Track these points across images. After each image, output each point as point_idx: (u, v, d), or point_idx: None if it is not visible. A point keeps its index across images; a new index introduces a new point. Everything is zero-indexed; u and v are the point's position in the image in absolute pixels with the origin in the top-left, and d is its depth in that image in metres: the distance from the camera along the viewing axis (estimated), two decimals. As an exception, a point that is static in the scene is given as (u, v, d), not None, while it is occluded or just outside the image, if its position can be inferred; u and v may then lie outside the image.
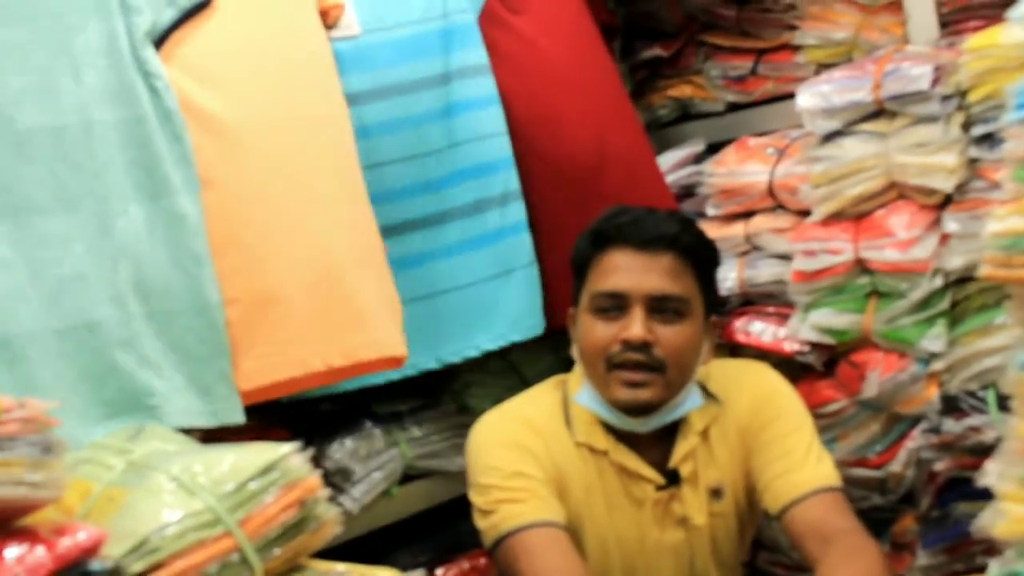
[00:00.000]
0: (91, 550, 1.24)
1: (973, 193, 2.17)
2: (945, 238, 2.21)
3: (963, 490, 2.22)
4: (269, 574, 1.41)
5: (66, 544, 1.22)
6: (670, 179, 2.69)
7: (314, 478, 1.47)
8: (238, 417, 1.85)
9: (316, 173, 1.98)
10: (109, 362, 1.75)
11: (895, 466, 2.32)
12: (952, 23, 2.41)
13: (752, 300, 2.55)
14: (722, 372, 2.12)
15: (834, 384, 2.39)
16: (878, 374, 2.27)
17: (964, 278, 2.22)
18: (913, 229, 2.21)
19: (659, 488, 2.03)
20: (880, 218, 2.26)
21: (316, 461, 1.71)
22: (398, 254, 2.17)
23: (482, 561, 2.37)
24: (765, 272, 2.51)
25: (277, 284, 1.90)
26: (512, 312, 2.32)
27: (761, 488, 2.01)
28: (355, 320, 1.97)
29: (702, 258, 2.04)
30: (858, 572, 1.76)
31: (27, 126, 1.75)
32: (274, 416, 2.17)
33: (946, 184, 2.17)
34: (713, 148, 2.78)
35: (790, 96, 2.60)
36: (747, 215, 2.57)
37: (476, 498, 2.01)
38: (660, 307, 1.97)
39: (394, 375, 2.17)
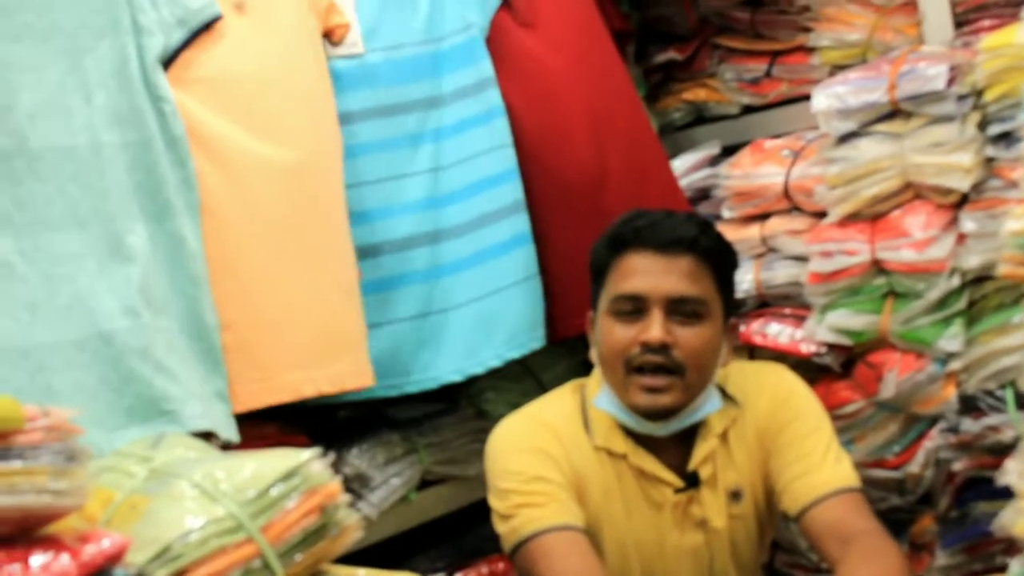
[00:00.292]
0: (115, 557, 1.24)
1: (990, 192, 2.18)
2: (962, 237, 2.21)
3: (982, 490, 2.22)
4: (291, 580, 1.42)
5: (91, 551, 1.21)
6: (685, 182, 2.69)
7: (335, 484, 1.46)
8: (233, 437, 1.88)
9: (310, 203, 2.03)
10: (126, 371, 1.77)
11: (913, 466, 2.32)
12: (966, 23, 2.41)
13: (768, 302, 2.56)
14: (740, 374, 2.12)
15: (851, 385, 2.39)
16: (895, 374, 2.27)
17: (981, 277, 2.22)
18: (930, 229, 2.21)
19: (678, 491, 2.02)
20: (896, 218, 2.26)
21: (335, 467, 1.71)
22: (400, 271, 2.20)
23: (500, 566, 2.37)
24: (781, 274, 2.51)
25: (270, 311, 1.96)
26: (515, 325, 2.32)
27: (780, 490, 2.01)
28: (342, 348, 2.04)
29: (720, 260, 2.05)
30: (879, 573, 1.75)
31: (40, 145, 1.77)
32: (293, 422, 2.18)
33: (962, 183, 2.17)
34: (728, 151, 2.78)
35: (805, 98, 2.61)
36: (763, 217, 2.58)
37: (496, 503, 2.01)
38: (679, 309, 1.97)
39: (393, 393, 2.23)
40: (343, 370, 2.04)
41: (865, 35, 2.56)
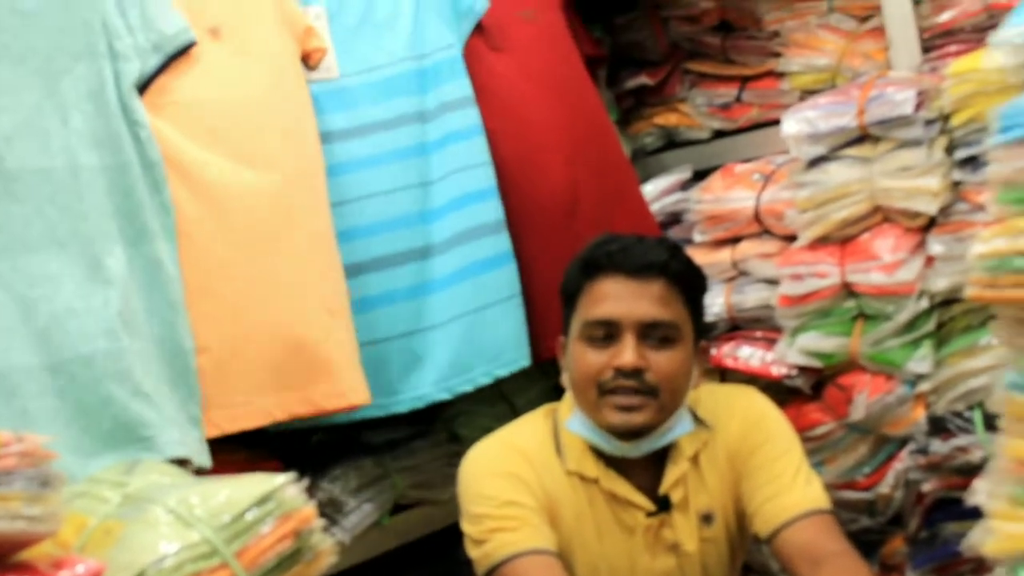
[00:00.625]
0: (89, 583, 1.24)
1: (957, 215, 2.20)
2: (930, 260, 2.23)
3: (951, 510, 2.24)
4: (266, 604, 1.42)
5: (66, 576, 1.22)
6: (656, 206, 2.71)
7: (309, 508, 1.47)
8: (206, 463, 1.87)
9: (290, 225, 2.03)
10: (103, 395, 1.76)
11: (883, 488, 2.33)
12: (933, 48, 2.44)
13: (740, 325, 2.57)
14: (711, 397, 2.13)
15: (822, 407, 2.41)
16: (865, 396, 2.29)
17: (949, 300, 2.24)
18: (898, 252, 2.23)
19: (650, 515, 2.03)
20: (865, 242, 2.28)
21: (308, 492, 1.71)
22: (385, 289, 2.20)
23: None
24: (752, 297, 2.52)
25: (246, 335, 1.96)
26: (502, 343, 2.32)
27: (751, 512, 2.02)
28: (321, 371, 2.02)
29: (691, 284, 2.06)
30: (851, 593, 1.76)
31: (16, 166, 1.77)
32: (266, 448, 2.17)
33: (930, 207, 2.19)
34: (699, 175, 2.79)
35: (775, 123, 2.63)
36: (734, 241, 2.59)
37: (469, 528, 2.01)
38: (651, 334, 1.98)
39: (380, 413, 2.21)
40: (322, 393, 2.02)
41: (834, 60, 2.58)
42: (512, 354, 2.34)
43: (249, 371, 1.95)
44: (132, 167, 1.86)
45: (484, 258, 2.31)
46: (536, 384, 2.52)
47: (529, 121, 2.39)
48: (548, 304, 2.25)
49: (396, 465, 2.33)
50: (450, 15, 2.36)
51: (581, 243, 2.11)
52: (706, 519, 2.06)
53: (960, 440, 2.17)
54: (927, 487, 2.23)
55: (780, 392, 2.38)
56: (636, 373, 1.94)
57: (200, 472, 1.77)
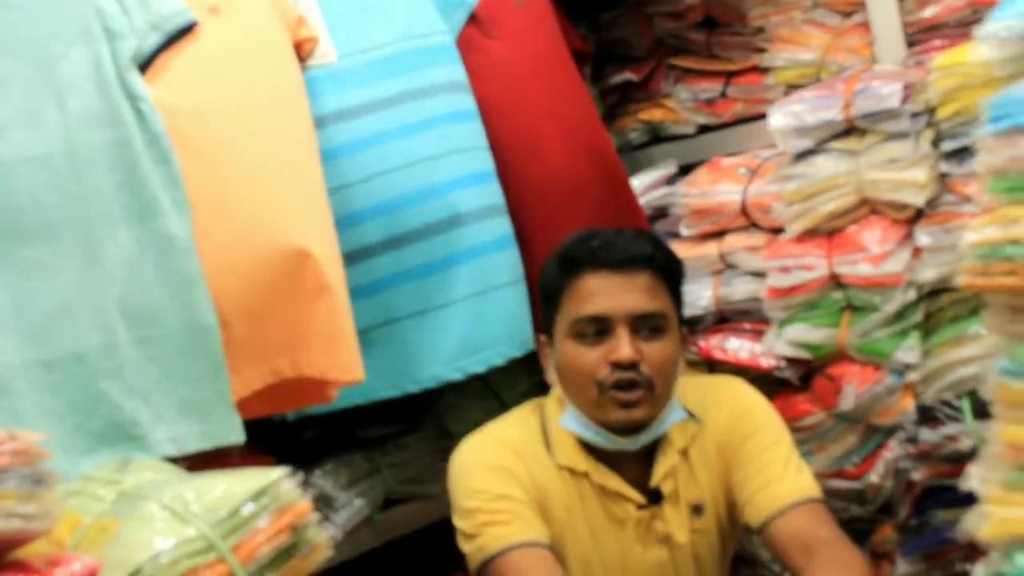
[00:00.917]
0: (87, 580, 1.24)
1: (944, 207, 2.21)
2: (917, 251, 2.24)
3: (941, 498, 2.25)
4: (262, 599, 1.42)
5: (62, 574, 1.21)
6: (643, 200, 2.71)
7: (305, 503, 1.47)
8: (238, 437, 1.84)
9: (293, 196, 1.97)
10: (96, 393, 1.74)
11: (873, 477, 2.35)
12: (918, 42, 2.45)
13: (728, 317, 2.58)
14: (698, 389, 2.14)
15: (811, 398, 2.42)
16: (854, 387, 2.30)
17: (936, 290, 2.25)
18: (886, 244, 2.24)
19: (640, 507, 2.03)
20: (853, 234, 2.29)
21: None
22: (395, 269, 2.18)
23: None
24: (740, 290, 2.53)
25: (263, 299, 1.90)
26: (512, 323, 2.28)
27: (742, 503, 2.03)
28: (337, 337, 1.97)
29: (674, 273, 2.07)
30: (845, 581, 1.77)
31: (11, 155, 1.74)
32: (257, 444, 2.16)
33: (917, 199, 2.20)
34: (684, 170, 2.80)
35: (759, 117, 2.64)
36: (720, 234, 2.60)
37: (460, 522, 2.01)
38: (642, 325, 1.99)
39: (395, 393, 2.18)
40: (333, 360, 1.97)
41: (818, 55, 2.59)
42: (522, 336, 2.30)
43: (262, 334, 1.91)
44: (135, 141, 1.82)
45: (492, 239, 2.28)
46: (524, 379, 2.52)
47: (526, 106, 2.38)
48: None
49: (386, 460, 2.33)
50: (442, 4, 2.36)
51: (581, 228, 2.11)
52: (696, 510, 2.07)
53: (949, 429, 2.18)
54: (916, 476, 2.25)
55: (769, 383, 2.40)
56: (632, 366, 1.95)
57: (194, 468, 1.76)
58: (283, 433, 2.21)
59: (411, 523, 2.38)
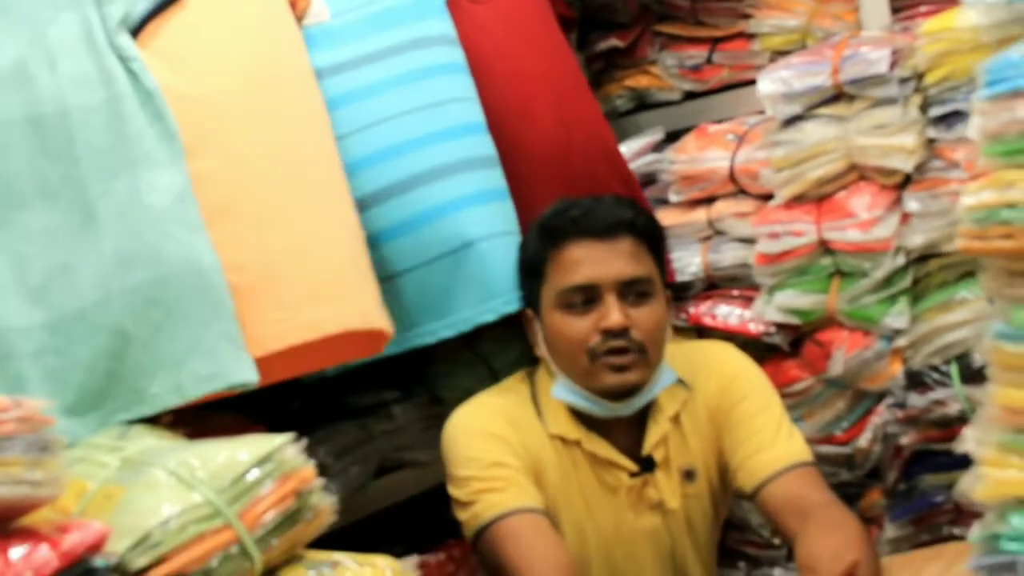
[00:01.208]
0: (95, 546, 1.24)
1: (932, 173, 2.23)
2: (906, 217, 2.26)
3: (929, 463, 2.28)
4: (267, 565, 1.42)
5: (72, 540, 1.21)
6: (631, 167, 2.71)
7: (309, 468, 1.48)
8: (251, 376, 1.79)
9: (299, 148, 1.96)
10: (97, 349, 1.72)
11: (862, 441, 2.37)
12: (903, 8, 2.47)
13: (716, 284, 2.59)
14: (687, 355, 2.14)
15: (800, 363, 2.44)
16: (843, 352, 2.32)
17: (925, 256, 2.27)
18: (874, 209, 2.26)
19: (632, 475, 2.05)
20: (842, 200, 2.30)
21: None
22: (413, 211, 2.13)
23: (456, 552, 2.38)
24: (729, 256, 2.54)
25: (285, 248, 1.87)
26: (491, 283, 2.17)
27: (734, 468, 2.04)
28: (362, 287, 1.94)
29: (656, 236, 2.08)
30: (839, 543, 1.77)
31: (3, 118, 1.73)
32: (250, 414, 2.16)
33: (906, 164, 2.22)
34: (671, 136, 2.81)
35: (745, 84, 2.66)
36: (709, 200, 2.61)
37: (455, 491, 2.01)
38: (629, 291, 2.00)
39: (430, 340, 2.14)
40: (369, 307, 1.93)
41: (804, 21, 2.59)
42: (504, 296, 2.19)
43: (290, 285, 1.86)
44: (127, 99, 1.80)
45: (495, 187, 2.22)
46: (514, 346, 2.52)
47: (515, 72, 2.36)
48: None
49: (379, 428, 2.33)
50: None
51: (575, 194, 2.11)
52: (688, 476, 2.08)
53: (937, 394, 2.20)
54: (905, 440, 2.27)
55: (758, 349, 2.41)
56: (623, 332, 1.96)
57: (192, 436, 1.75)
58: (273, 403, 2.20)
59: (405, 490, 2.38)
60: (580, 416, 2.04)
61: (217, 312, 1.78)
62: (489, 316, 2.15)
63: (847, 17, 2.54)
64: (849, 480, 2.40)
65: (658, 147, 2.79)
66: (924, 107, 2.23)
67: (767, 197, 2.45)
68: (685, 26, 2.86)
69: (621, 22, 2.97)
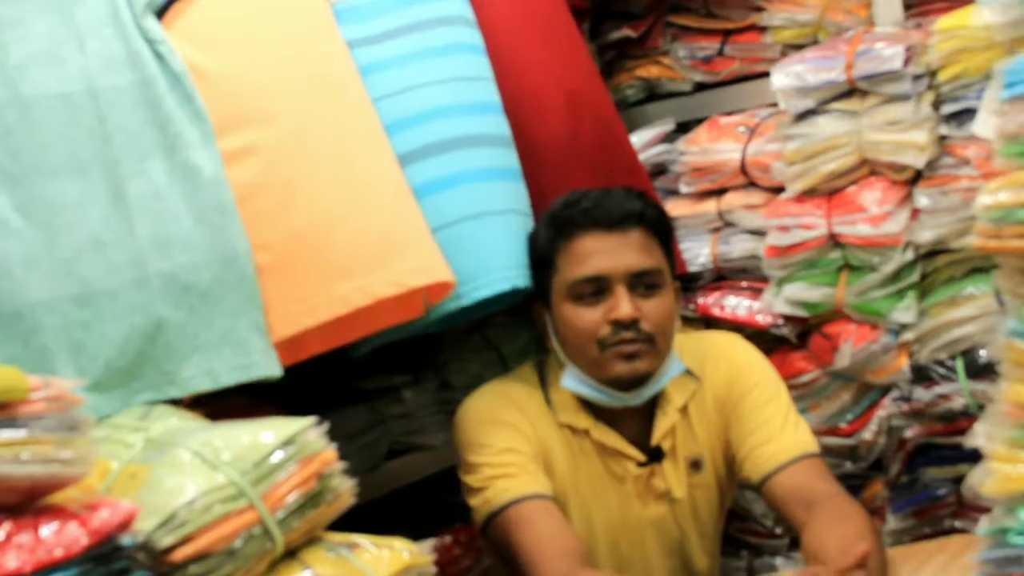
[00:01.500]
0: (124, 525, 1.25)
1: (943, 169, 2.24)
2: (916, 213, 2.27)
3: (932, 456, 2.31)
4: (288, 546, 1.44)
5: (101, 518, 1.22)
6: (640, 158, 2.72)
7: (331, 451, 1.49)
8: (274, 370, 1.81)
9: (334, 112, 1.95)
10: (128, 328, 1.72)
11: (866, 434, 2.39)
12: (916, 4, 2.47)
13: (725, 275, 2.61)
14: (696, 346, 2.16)
15: (807, 355, 2.46)
16: (850, 345, 2.34)
17: (933, 251, 2.29)
18: (885, 204, 2.27)
19: (640, 465, 2.06)
20: (852, 194, 2.32)
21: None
22: (440, 173, 2.08)
23: (463, 536, 2.41)
24: (738, 248, 2.56)
25: (310, 222, 1.86)
26: (502, 256, 2.13)
27: (741, 458, 2.05)
28: (398, 248, 1.91)
29: (665, 228, 2.09)
30: (846, 534, 1.78)
31: (32, 93, 1.73)
32: (261, 396, 2.17)
33: (917, 161, 2.23)
34: (681, 127, 2.82)
35: (756, 76, 2.67)
36: (719, 192, 2.62)
37: (467, 477, 2.03)
38: (639, 282, 2.00)
39: (467, 301, 2.06)
40: (404, 269, 1.89)
41: (816, 15, 2.59)
42: (514, 271, 2.14)
43: (317, 260, 1.85)
44: (157, 81, 1.81)
45: (505, 167, 2.19)
46: (523, 333, 2.54)
47: (527, 60, 2.35)
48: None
49: (389, 412, 2.35)
50: None
51: (580, 186, 2.11)
52: (695, 465, 2.09)
53: (942, 388, 2.22)
54: (909, 433, 2.29)
55: (766, 341, 2.43)
56: (633, 323, 1.97)
57: (213, 417, 1.76)
58: (283, 387, 2.22)
59: (414, 473, 2.40)
60: (589, 406, 2.06)
61: (249, 302, 1.79)
62: (503, 285, 2.09)
63: (859, 12, 2.54)
64: (852, 472, 2.43)
65: (668, 138, 2.81)
66: (936, 104, 2.25)
67: (777, 190, 2.47)
68: (697, 18, 2.87)
69: (633, 12, 2.97)
